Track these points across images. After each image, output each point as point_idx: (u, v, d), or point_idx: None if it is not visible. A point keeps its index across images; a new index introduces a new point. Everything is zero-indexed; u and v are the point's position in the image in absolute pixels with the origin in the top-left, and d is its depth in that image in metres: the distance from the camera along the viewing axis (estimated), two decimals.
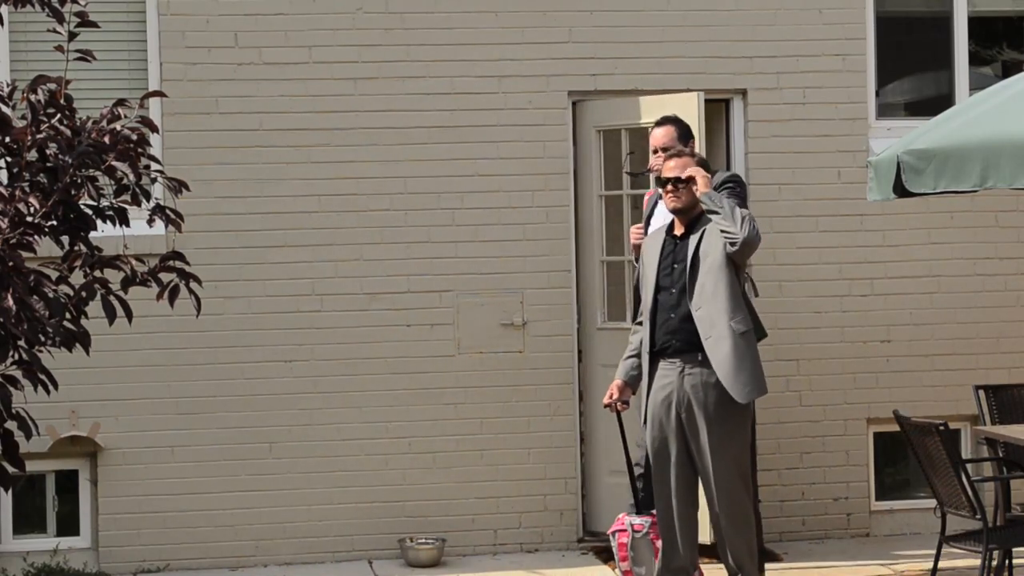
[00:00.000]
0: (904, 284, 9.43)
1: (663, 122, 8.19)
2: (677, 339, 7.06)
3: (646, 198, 8.44)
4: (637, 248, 8.03)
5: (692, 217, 7.18)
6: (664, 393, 7.08)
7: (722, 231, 7.00)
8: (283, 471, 8.94)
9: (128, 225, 5.61)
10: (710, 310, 6.98)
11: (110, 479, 8.82)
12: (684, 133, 8.12)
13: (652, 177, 8.25)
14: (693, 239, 7.11)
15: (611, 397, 7.38)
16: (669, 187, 7.19)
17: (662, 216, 8.06)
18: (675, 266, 7.15)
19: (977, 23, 9.70)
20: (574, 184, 9.19)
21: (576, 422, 9.19)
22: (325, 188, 8.99)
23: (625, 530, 7.51)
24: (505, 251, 9.12)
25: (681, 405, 7.04)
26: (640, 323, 7.33)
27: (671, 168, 7.25)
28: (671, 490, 7.10)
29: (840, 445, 9.38)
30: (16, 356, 5.25)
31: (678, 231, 7.25)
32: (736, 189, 7.81)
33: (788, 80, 9.33)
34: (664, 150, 8.00)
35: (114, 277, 5.43)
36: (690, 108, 8.59)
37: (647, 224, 8.14)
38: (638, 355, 7.29)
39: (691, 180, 7.12)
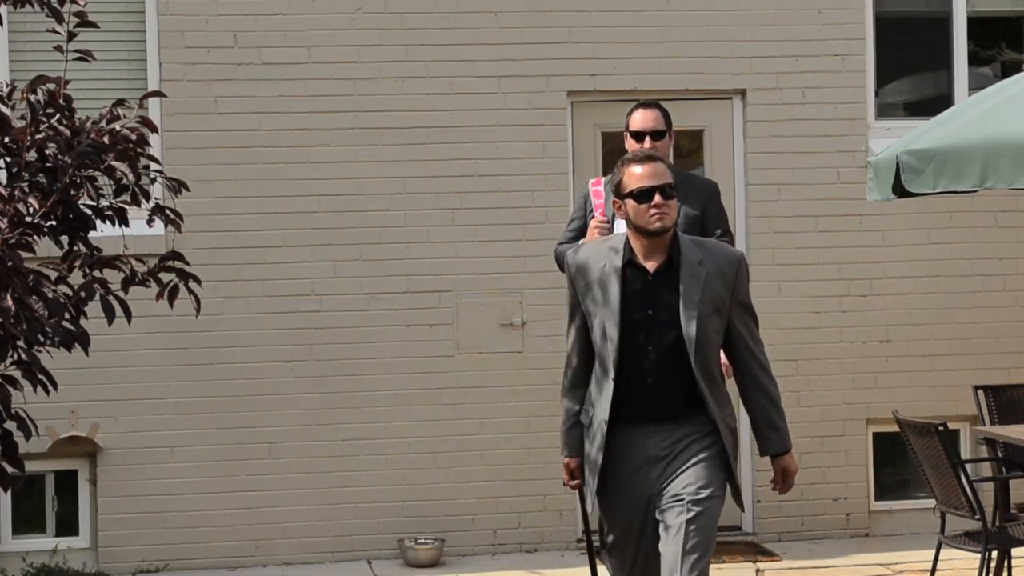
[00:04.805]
0: (903, 284, 9.43)
1: (650, 105, 7.19)
2: (656, 406, 5.37)
3: (592, 187, 7.15)
4: None
5: (668, 242, 5.39)
6: (638, 463, 5.40)
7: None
8: (283, 471, 8.95)
9: (128, 225, 5.60)
10: (706, 389, 5.37)
11: (109, 479, 8.82)
12: (669, 121, 7.19)
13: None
14: (689, 286, 5.33)
15: (571, 479, 5.64)
16: (658, 198, 5.33)
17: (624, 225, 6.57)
18: (648, 312, 5.34)
19: (976, 23, 9.70)
20: (573, 184, 9.19)
21: None
22: (325, 188, 9.00)
23: None
24: (505, 251, 9.12)
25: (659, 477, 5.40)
26: (573, 383, 5.55)
27: (653, 174, 5.39)
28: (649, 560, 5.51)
29: (839, 445, 9.38)
30: (15, 356, 5.25)
31: (645, 263, 5.38)
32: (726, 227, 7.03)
33: (787, 80, 9.34)
34: (652, 134, 7.03)
35: (114, 277, 5.43)
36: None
37: (612, 223, 7.02)
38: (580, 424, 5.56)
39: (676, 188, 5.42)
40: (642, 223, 5.35)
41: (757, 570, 8.55)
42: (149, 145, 5.61)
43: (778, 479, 5.58)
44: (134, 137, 5.47)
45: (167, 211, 5.60)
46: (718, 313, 5.36)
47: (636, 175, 5.39)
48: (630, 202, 5.38)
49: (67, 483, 8.96)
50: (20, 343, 5.20)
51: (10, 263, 5.12)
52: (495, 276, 9.12)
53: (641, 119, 7.19)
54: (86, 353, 5.49)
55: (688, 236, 5.54)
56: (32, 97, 5.44)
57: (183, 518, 8.86)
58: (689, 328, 5.30)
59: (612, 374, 5.34)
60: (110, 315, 5.34)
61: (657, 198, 5.32)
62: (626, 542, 5.54)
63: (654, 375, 5.34)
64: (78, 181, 5.35)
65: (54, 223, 5.37)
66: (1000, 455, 7.66)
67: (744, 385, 5.50)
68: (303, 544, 8.96)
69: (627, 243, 5.43)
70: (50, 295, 5.24)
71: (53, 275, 5.31)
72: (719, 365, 5.45)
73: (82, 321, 5.41)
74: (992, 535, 6.95)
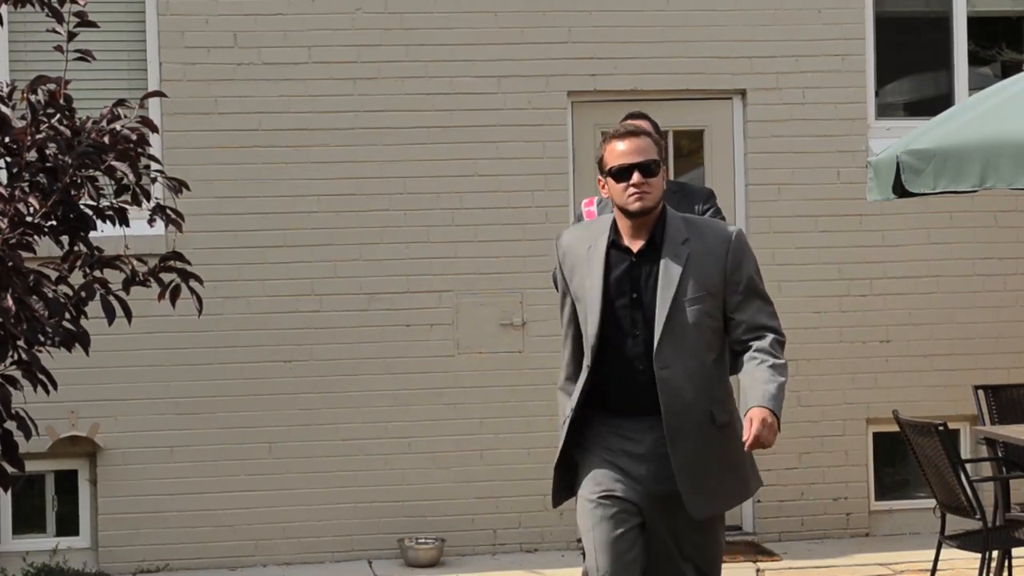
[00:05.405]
0: (903, 284, 9.43)
1: (638, 116, 6.94)
2: (650, 395, 4.96)
3: (585, 208, 6.96)
4: None
5: (653, 222, 5.04)
6: (635, 456, 5.02)
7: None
8: (283, 471, 8.94)
9: (128, 225, 5.61)
10: (683, 378, 4.96)
11: (109, 479, 8.82)
12: (658, 131, 6.81)
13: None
14: (668, 266, 4.97)
15: None
16: (636, 177, 4.97)
17: None
18: (634, 296, 5.00)
19: (976, 23, 9.70)
20: (573, 184, 9.19)
21: None
22: (325, 188, 9.00)
23: None
24: (505, 251, 9.12)
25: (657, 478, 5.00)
26: (568, 375, 5.19)
27: (634, 150, 5.00)
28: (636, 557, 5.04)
29: (839, 445, 9.38)
30: (16, 356, 5.25)
31: (631, 243, 5.04)
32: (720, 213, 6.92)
33: (787, 80, 9.34)
34: None
35: (114, 277, 5.43)
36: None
37: None
38: None
39: (660, 164, 5.05)
40: (621, 203, 5.01)
41: (757, 570, 8.55)
42: (149, 145, 5.61)
43: (746, 428, 4.85)
44: (134, 137, 5.48)
45: (168, 211, 5.60)
46: (711, 296, 4.97)
47: (617, 152, 5.01)
48: (610, 180, 5.03)
49: (67, 483, 8.96)
50: (20, 343, 5.20)
51: (10, 263, 5.13)
52: (495, 276, 9.12)
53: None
54: (86, 353, 5.50)
55: (680, 214, 5.16)
56: (32, 97, 5.45)
57: (183, 518, 8.86)
58: (662, 310, 4.92)
59: (589, 360, 4.99)
60: (110, 315, 5.35)
61: (636, 177, 4.95)
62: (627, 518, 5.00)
63: (644, 362, 4.95)
64: (78, 181, 5.36)
65: (54, 223, 5.38)
66: (1000, 455, 7.66)
67: (740, 375, 5.05)
68: (303, 544, 8.96)
69: (613, 223, 5.09)
70: (50, 295, 5.25)
71: (53, 275, 5.32)
72: (714, 351, 5.03)
73: (82, 321, 5.41)
74: (992, 535, 6.95)
